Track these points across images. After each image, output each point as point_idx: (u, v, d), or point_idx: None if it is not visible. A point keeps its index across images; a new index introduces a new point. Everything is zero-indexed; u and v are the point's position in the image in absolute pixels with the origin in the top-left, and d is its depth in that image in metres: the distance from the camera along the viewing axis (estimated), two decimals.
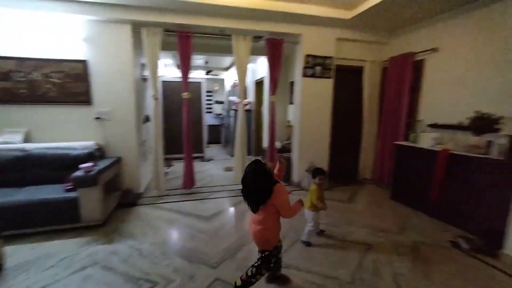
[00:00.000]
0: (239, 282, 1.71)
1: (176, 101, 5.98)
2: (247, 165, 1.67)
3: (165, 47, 4.11)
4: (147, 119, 4.31)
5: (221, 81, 9.49)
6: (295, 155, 4.23)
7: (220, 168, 5.48)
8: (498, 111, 2.64)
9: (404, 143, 3.49)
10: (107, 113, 3.37)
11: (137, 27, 3.33)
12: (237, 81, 3.89)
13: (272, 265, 1.75)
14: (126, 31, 3.32)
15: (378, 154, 4.29)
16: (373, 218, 2.99)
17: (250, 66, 6.95)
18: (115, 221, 2.88)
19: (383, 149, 4.17)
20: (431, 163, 2.97)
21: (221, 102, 9.63)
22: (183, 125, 3.76)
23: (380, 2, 3.04)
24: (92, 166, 2.69)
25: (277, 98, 4.23)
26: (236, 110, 6.75)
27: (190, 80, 3.84)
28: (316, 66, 3.91)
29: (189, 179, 3.86)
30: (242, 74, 3.81)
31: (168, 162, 5.86)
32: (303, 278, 1.95)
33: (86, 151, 3.03)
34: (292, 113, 4.83)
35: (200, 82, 6.35)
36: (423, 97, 3.66)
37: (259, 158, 1.84)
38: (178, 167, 5.28)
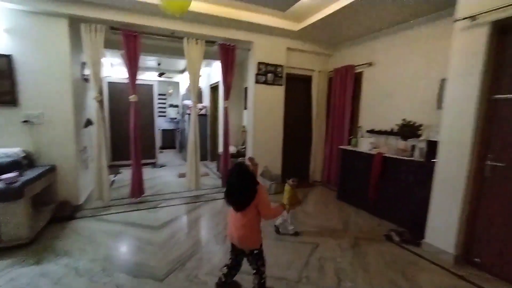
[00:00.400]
0: None
1: (125, 104, 5.56)
2: (231, 167, 1.76)
3: (112, 45, 3.86)
4: (89, 123, 3.92)
5: (176, 84, 9.18)
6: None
7: (173, 175, 5.27)
8: (420, 119, 3.07)
9: (347, 147, 3.81)
10: (37, 115, 2.98)
11: (76, 22, 3.04)
12: (190, 85, 3.80)
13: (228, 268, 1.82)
14: (62, 25, 3.00)
15: (326, 157, 4.60)
16: (321, 218, 3.18)
17: (205, 70, 6.87)
18: (47, 238, 2.54)
19: (330, 153, 4.49)
20: (369, 165, 3.29)
21: (176, 106, 9.31)
22: (130, 130, 3.52)
23: (322, 18, 3.32)
24: (17, 176, 2.35)
25: (231, 103, 4.26)
26: (190, 114, 6.62)
27: (139, 82, 3.65)
28: (268, 73, 4.06)
29: (137, 187, 3.62)
30: (194, 77, 3.75)
31: (114, 169, 5.43)
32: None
33: (10, 159, 2.62)
34: (247, 118, 4.90)
35: (151, 84, 6.05)
36: (362, 106, 4.06)
37: (240, 160, 1.96)
38: (127, 175, 4.91)
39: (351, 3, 2.89)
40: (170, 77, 8.12)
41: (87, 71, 3.51)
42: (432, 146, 2.57)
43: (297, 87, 4.54)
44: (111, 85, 5.64)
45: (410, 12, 3.06)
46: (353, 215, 3.31)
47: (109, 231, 2.73)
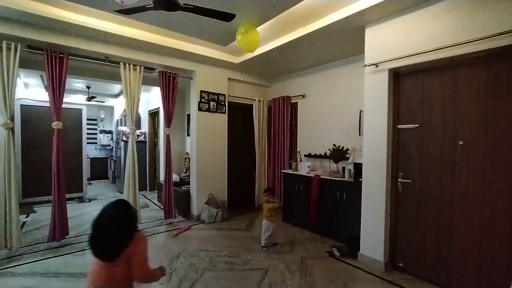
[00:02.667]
0: None
1: (43, 130, 4.86)
2: (107, 204, 1.37)
3: (29, 65, 3.43)
4: None
5: (110, 108, 8.47)
6: (193, 188, 4.16)
7: None
8: (346, 144, 3.54)
9: (288, 171, 4.07)
10: None
11: None
12: (127, 111, 3.58)
13: None
14: None
15: (270, 181, 4.80)
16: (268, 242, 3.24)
17: (143, 95, 6.56)
18: None
19: (273, 177, 4.71)
20: (308, 186, 3.57)
21: (109, 132, 8.49)
22: (53, 162, 3.05)
23: (258, 54, 3.63)
24: None
25: (174, 130, 4.14)
26: (126, 141, 6.12)
27: (65, 106, 3.26)
28: (211, 101, 4.15)
29: (59, 228, 3.08)
30: (132, 103, 3.55)
31: (27, 208, 4.53)
32: None
33: None
34: (190, 145, 4.80)
35: (80, 108, 5.44)
36: (299, 132, 4.47)
37: (123, 199, 1.56)
38: (44, 214, 4.15)
39: (279, 46, 3.33)
40: (103, 101, 7.45)
41: None
42: (358, 167, 2.98)
43: (239, 115, 4.73)
44: (25, 108, 4.86)
45: (330, 56, 3.66)
46: (298, 236, 3.47)
47: (19, 287, 2.22)
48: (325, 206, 3.41)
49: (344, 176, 3.28)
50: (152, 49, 3.46)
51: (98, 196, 5.70)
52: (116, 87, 6.62)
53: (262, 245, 3.03)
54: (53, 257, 2.79)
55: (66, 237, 3.19)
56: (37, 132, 4.89)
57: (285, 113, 4.50)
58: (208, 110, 4.12)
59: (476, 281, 2.10)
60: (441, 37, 2.19)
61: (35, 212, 4.44)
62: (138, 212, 3.55)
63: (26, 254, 2.83)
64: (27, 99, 5.07)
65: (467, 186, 2.15)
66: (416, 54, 2.30)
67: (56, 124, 3.08)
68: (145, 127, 6.61)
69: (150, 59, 3.57)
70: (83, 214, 4.35)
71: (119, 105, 7.68)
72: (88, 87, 6.41)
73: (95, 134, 8.49)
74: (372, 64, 2.62)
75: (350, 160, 3.19)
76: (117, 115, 8.07)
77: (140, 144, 6.31)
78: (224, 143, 4.34)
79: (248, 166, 4.86)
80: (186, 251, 2.94)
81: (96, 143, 8.49)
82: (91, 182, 7.38)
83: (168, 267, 2.57)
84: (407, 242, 2.52)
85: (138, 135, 6.26)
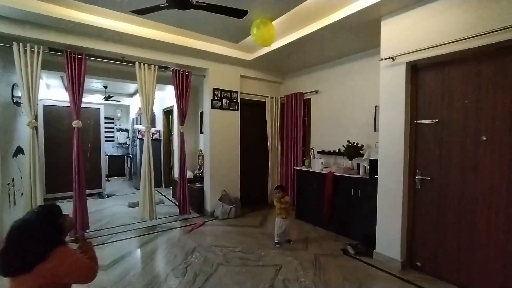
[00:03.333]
0: None
1: (64, 129, 5.07)
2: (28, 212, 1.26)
3: (50, 66, 3.57)
4: (19, 151, 3.43)
5: (126, 107, 8.71)
6: (206, 184, 4.21)
7: (123, 205, 4.82)
8: (361, 141, 3.47)
9: (301, 168, 4.04)
10: None
11: (6, 41, 2.75)
12: (142, 109, 3.66)
13: None
14: None
15: (283, 178, 4.79)
16: (281, 239, 3.23)
17: (158, 94, 6.70)
18: None
19: (286, 174, 4.69)
20: (322, 183, 3.53)
21: (126, 130, 8.74)
22: (73, 159, 3.18)
23: (269, 52, 3.60)
24: None
25: (187, 127, 4.20)
26: (142, 139, 6.28)
27: (84, 105, 3.38)
28: (224, 99, 4.17)
29: (79, 222, 3.22)
30: (147, 102, 3.64)
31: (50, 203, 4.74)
32: None
33: None
34: (203, 143, 4.86)
35: (98, 108, 5.63)
36: (312, 129, 4.42)
37: (52, 203, 1.46)
38: (65, 209, 4.31)
39: (292, 42, 3.29)
40: (119, 101, 7.67)
41: (19, 94, 3.13)
42: (374, 164, 2.91)
43: (252, 112, 4.73)
44: (48, 108, 5.08)
45: (344, 50, 3.59)
46: (311, 233, 3.45)
47: None
48: (339, 204, 3.36)
49: (359, 173, 3.22)
50: (166, 48, 3.51)
51: (116, 192, 5.89)
52: (132, 87, 6.78)
53: (276, 241, 3.04)
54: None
55: (87, 231, 3.32)
56: (58, 131, 5.11)
57: (298, 109, 4.45)
58: (221, 107, 4.15)
59: (500, 282, 2.01)
60: (463, 27, 2.09)
61: None
62: (154, 208, 3.65)
63: None
64: (49, 99, 5.30)
65: (491, 183, 2.05)
66: (436, 46, 2.20)
67: (76, 123, 3.20)
68: (159, 125, 6.75)
69: (164, 58, 3.63)
70: (103, 209, 4.52)
71: (135, 104, 7.88)
72: (105, 87, 6.60)
73: (112, 132, 8.76)
74: (389, 58, 2.54)
75: (365, 157, 3.12)
76: (132, 113, 8.28)
77: (155, 142, 6.46)
78: (237, 140, 4.36)
79: (261, 163, 4.87)
80: (201, 246, 2.99)
81: (113, 141, 8.76)
82: (109, 179, 7.64)
83: (184, 262, 2.63)
84: (425, 241, 2.44)
85: (153, 133, 6.41)
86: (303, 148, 4.42)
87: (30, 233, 1.14)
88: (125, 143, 8.53)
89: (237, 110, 4.34)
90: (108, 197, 5.47)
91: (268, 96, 4.77)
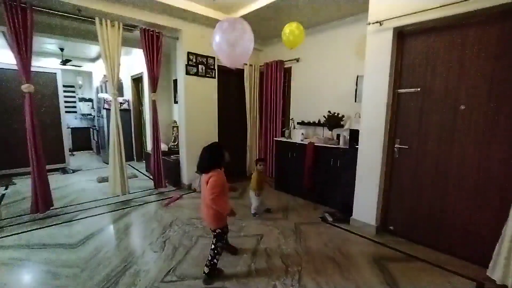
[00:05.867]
0: (206, 269, 1.89)
1: (13, 97, 4.46)
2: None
3: None
4: None
5: (88, 74, 7.85)
6: (182, 157, 4.02)
7: (92, 180, 4.50)
8: (342, 111, 3.44)
9: (281, 139, 3.98)
10: None
11: None
12: (107, 76, 3.26)
13: (224, 241, 1.98)
14: None
15: (262, 149, 4.73)
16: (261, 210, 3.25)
17: (125, 59, 6.06)
18: None
19: (265, 145, 4.62)
20: (302, 154, 3.52)
21: (89, 100, 7.98)
22: (27, 130, 2.79)
23: (248, 13, 3.31)
24: None
25: (160, 97, 3.88)
26: (108, 109, 5.76)
27: (36, 69, 2.91)
28: (200, 64, 3.85)
29: (42, 199, 2.93)
30: (112, 67, 3.23)
31: (5, 180, 4.29)
32: (198, 285, 1.85)
33: None
34: (178, 112, 4.57)
35: (54, 72, 4.95)
36: (292, 99, 4.31)
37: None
38: (25, 185, 3.95)
39: (272, 3, 3.05)
40: (79, 66, 6.86)
41: None
42: (354, 134, 2.92)
43: (230, 80, 4.47)
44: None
45: (327, 15, 3.39)
46: (291, 203, 3.49)
47: (1, 260, 2.11)
48: (318, 174, 3.40)
49: (339, 143, 3.23)
50: (132, 1, 3.06)
51: (83, 167, 5.48)
52: (93, 50, 6.06)
53: (253, 212, 3.04)
54: (37, 228, 2.66)
55: (51, 208, 3.05)
56: (6, 99, 4.46)
57: (278, 78, 4.28)
58: (197, 74, 3.84)
59: (462, 246, 2.19)
60: None
61: (14, 184, 4.21)
62: (126, 182, 3.43)
63: (7, 227, 2.68)
64: None
65: (464, 152, 2.14)
66: (423, 11, 2.12)
67: (27, 87, 2.75)
68: (128, 94, 6.21)
69: (130, 13, 3.18)
70: (68, 185, 4.18)
71: (98, 70, 7.12)
72: (62, 49, 5.83)
73: (74, 102, 7.95)
74: (376, 22, 2.42)
75: (346, 127, 3.12)
76: (96, 81, 7.52)
77: (124, 113, 5.97)
78: (214, 110, 4.14)
79: (239, 134, 4.73)
80: (179, 220, 2.89)
81: (75, 112, 7.99)
82: (74, 153, 7.07)
83: (161, 236, 2.53)
84: (399, 207, 2.56)
85: (121, 103, 5.90)
86: (283, 119, 4.33)
87: (206, 153, 1.93)
88: (90, 114, 7.83)
89: (214, 77, 4.06)
90: (73, 172, 5.07)
91: (246, 64, 4.50)
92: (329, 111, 3.51)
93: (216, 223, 1.89)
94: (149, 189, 3.93)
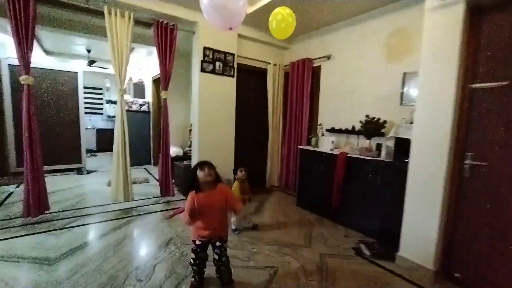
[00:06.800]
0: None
1: (39, 97, 4.45)
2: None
3: None
4: None
5: (114, 76, 7.94)
6: (194, 162, 3.59)
7: (103, 182, 4.27)
8: (383, 116, 2.79)
9: (307, 147, 3.40)
10: None
11: None
12: (114, 70, 2.98)
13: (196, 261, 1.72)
14: None
15: (284, 159, 4.17)
16: (279, 231, 2.67)
17: (146, 60, 5.96)
18: None
19: (288, 154, 4.06)
20: (331, 166, 2.91)
21: (115, 102, 8.05)
22: (23, 125, 2.54)
23: (270, 2, 2.85)
24: None
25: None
26: (129, 111, 5.61)
27: (58, 69, 2.70)
28: (217, 61, 3.44)
29: (36, 202, 2.65)
30: (120, 62, 2.96)
31: (19, 178, 4.20)
32: None
33: None
34: (192, 113, 4.22)
35: (75, 72, 4.90)
36: (321, 102, 3.72)
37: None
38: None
39: None
40: (105, 68, 6.91)
41: None
42: (401, 144, 2.27)
43: (250, 80, 4.02)
44: (14, 69, 4.37)
45: (364, 3, 2.82)
46: (316, 225, 2.87)
47: None
48: (351, 191, 2.76)
49: (379, 155, 2.58)
50: None
51: (99, 169, 5.33)
52: None
53: (233, 228, 2.61)
54: (24, 235, 2.36)
55: (46, 212, 2.77)
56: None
57: (305, 79, 3.74)
58: (213, 71, 3.44)
59: None
60: None
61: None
62: (130, 188, 3.07)
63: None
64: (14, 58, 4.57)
65: None
66: None
67: (25, 79, 2.52)
68: (149, 96, 6.06)
69: (141, 2, 2.89)
70: (76, 187, 3.96)
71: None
72: (89, 51, 5.86)
73: (101, 104, 8.09)
74: None
75: (391, 134, 2.47)
76: None
77: (143, 114, 5.84)
78: (231, 112, 3.69)
79: (260, 141, 4.23)
80: (179, 237, 2.42)
81: (102, 113, 8.11)
82: (96, 154, 7.08)
83: (154, 258, 2.07)
84: (471, 247, 1.84)
85: (141, 104, 5.76)
86: (309, 124, 3.76)
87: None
88: (114, 116, 7.88)
89: (233, 76, 3.63)
90: (88, 173, 4.91)
91: (270, 63, 4.04)
92: (367, 116, 2.88)
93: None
94: (156, 197, 3.54)
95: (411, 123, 2.26)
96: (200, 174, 1.63)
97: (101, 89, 8.01)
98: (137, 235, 2.49)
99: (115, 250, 2.20)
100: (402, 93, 2.75)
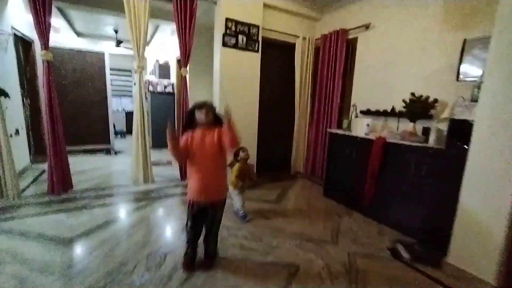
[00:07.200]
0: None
1: (68, 76, 4.58)
2: None
3: None
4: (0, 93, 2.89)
5: (143, 59, 7.99)
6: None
7: (129, 163, 4.30)
8: (432, 94, 2.32)
9: (337, 131, 3.04)
10: None
11: None
12: (131, 44, 2.83)
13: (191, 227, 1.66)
14: None
15: (311, 143, 3.84)
16: (302, 223, 2.41)
17: (171, 40, 5.81)
18: None
19: (316, 138, 3.72)
20: (365, 153, 2.54)
21: None
22: (45, 104, 2.53)
23: None
24: None
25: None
26: (153, 92, 5.60)
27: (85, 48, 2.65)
28: (240, 34, 3.14)
29: (60, 180, 2.70)
30: (138, 36, 2.80)
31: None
32: None
33: None
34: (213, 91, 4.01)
35: (102, 53, 4.91)
36: (356, 80, 3.28)
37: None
38: (73, 163, 3.93)
39: None
40: (131, 48, 6.91)
41: None
42: (459, 128, 1.83)
43: (276, 56, 3.68)
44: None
45: None
46: (344, 219, 2.56)
47: None
48: (388, 182, 2.39)
49: (427, 141, 2.16)
50: None
51: (127, 150, 5.44)
52: (147, 34, 5.94)
53: (240, 215, 2.40)
54: (45, 213, 2.39)
55: (70, 190, 2.82)
56: (66, 78, 4.59)
57: (338, 53, 3.30)
58: (236, 46, 3.15)
59: None
60: None
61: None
62: (150, 170, 3.00)
63: (23, 206, 2.48)
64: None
65: None
66: None
67: (44, 54, 2.46)
68: (173, 77, 5.97)
69: None
70: (102, 167, 4.04)
71: (151, 55, 7.14)
72: (116, 31, 5.86)
73: (131, 87, 8.25)
74: None
75: (444, 116, 2.03)
76: (150, 66, 7.58)
77: (168, 96, 5.77)
78: (255, 91, 3.41)
79: (285, 123, 3.93)
80: None
81: (131, 96, 8.29)
82: (126, 135, 7.30)
83: (166, 246, 1.95)
84: None
85: (165, 85, 5.69)
86: (340, 104, 3.35)
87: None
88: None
89: (257, 51, 3.31)
90: (116, 153, 5.03)
91: (299, 36, 3.63)
92: (413, 94, 2.42)
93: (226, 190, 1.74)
94: (176, 179, 3.46)
95: (473, 101, 1.81)
96: (197, 114, 1.57)
97: (130, 71, 8.13)
98: (153, 219, 2.40)
99: (129, 233, 2.12)
100: (459, 66, 2.25)
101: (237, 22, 3.10)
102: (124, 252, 1.86)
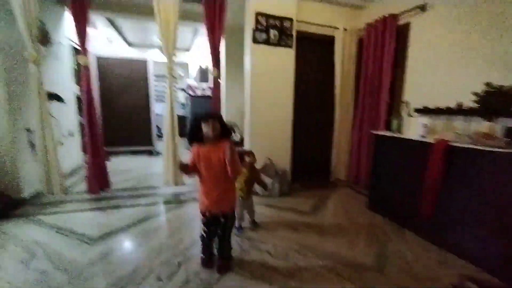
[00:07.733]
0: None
1: (116, 82, 4.93)
2: None
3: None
4: (55, 98, 3.19)
5: (184, 65, 8.38)
6: (245, 147, 3.25)
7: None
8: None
9: (385, 132, 2.58)
10: None
11: None
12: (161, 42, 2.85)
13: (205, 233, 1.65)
14: None
15: (354, 147, 3.39)
16: (340, 242, 2.03)
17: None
18: None
19: (359, 141, 3.28)
20: (421, 160, 2.06)
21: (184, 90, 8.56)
22: (84, 108, 2.67)
23: None
24: None
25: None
26: (193, 96, 5.72)
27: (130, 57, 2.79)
28: (271, 29, 2.92)
29: (99, 179, 2.83)
30: (168, 37, 2.78)
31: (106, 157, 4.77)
32: None
33: None
34: (244, 93, 3.86)
35: (145, 61, 5.19)
36: (408, 73, 2.77)
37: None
38: (115, 163, 4.23)
39: None
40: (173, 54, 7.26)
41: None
42: None
43: (313, 51, 3.36)
44: (101, 60, 4.90)
45: None
46: (393, 239, 2.09)
47: (26, 241, 1.92)
48: (452, 196, 1.88)
49: (510, 144, 1.63)
50: None
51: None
52: (188, 37, 6.16)
53: (236, 227, 2.08)
54: (82, 210, 2.50)
55: (106, 190, 2.93)
56: (112, 85, 4.98)
57: (386, 43, 2.85)
58: (267, 42, 2.94)
59: None
60: None
61: (108, 160, 4.60)
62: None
63: (67, 203, 2.64)
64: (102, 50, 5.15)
65: None
66: None
67: (81, 59, 2.60)
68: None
69: None
70: (140, 168, 4.20)
71: (193, 61, 7.41)
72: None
73: (175, 92, 8.68)
74: None
75: None
76: (192, 72, 7.88)
77: (206, 99, 5.83)
78: (289, 90, 3.14)
79: (324, 125, 3.56)
80: None
81: (176, 101, 8.72)
82: None
83: (181, 254, 1.81)
84: None
85: (203, 89, 5.78)
86: (389, 102, 2.87)
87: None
88: (184, 103, 8.38)
89: (291, 46, 3.05)
90: (157, 155, 5.25)
91: (339, 28, 3.26)
92: (488, 85, 1.88)
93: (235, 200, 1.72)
94: None
95: None
96: (203, 127, 1.49)
97: (174, 77, 8.57)
98: (174, 225, 2.30)
99: (150, 237, 2.05)
100: None
101: (268, 16, 2.90)
102: (140, 257, 1.78)
